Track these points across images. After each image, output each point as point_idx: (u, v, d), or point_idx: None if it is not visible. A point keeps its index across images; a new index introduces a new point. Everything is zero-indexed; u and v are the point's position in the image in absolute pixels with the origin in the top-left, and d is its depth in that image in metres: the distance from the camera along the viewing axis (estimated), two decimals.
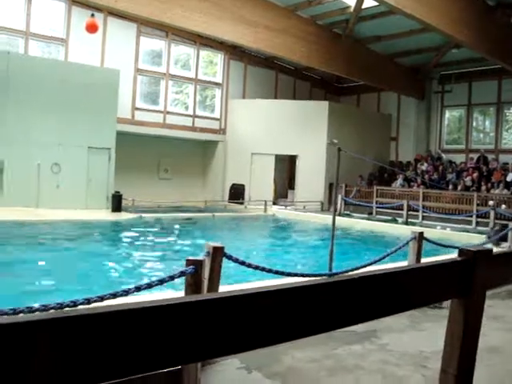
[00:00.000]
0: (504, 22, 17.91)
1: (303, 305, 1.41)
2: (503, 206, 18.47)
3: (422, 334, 5.59)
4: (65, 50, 20.15)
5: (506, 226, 10.20)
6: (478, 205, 19.32)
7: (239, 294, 1.26)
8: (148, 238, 13.74)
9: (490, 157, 23.43)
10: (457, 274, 1.87)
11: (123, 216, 17.67)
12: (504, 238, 10.06)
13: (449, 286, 1.88)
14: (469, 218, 19.08)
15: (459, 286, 1.87)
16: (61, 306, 3.25)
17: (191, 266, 3.57)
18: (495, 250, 2.12)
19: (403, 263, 7.82)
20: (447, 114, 26.75)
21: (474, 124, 25.86)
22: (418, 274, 1.77)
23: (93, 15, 17.59)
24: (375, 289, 1.62)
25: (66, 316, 1.00)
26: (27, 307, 3.19)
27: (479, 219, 18.74)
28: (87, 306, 3.35)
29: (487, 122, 25.89)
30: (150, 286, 3.63)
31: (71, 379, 1.01)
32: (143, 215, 17.63)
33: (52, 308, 3.24)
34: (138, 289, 3.62)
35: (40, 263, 9.79)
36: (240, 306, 1.26)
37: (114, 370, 1.07)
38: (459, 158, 24.65)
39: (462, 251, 1.90)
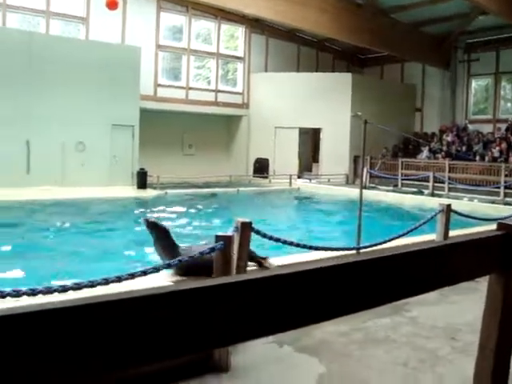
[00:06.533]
0: None
1: (335, 284, 1.39)
2: None
3: (451, 306, 5.56)
4: (85, 29, 20.15)
5: None
6: (506, 176, 19.01)
7: (269, 275, 1.24)
8: (174, 215, 13.84)
9: None
10: (496, 249, 1.83)
11: (148, 193, 17.81)
12: None
13: (487, 261, 1.84)
14: (496, 190, 18.80)
15: (498, 260, 1.83)
16: (79, 287, 3.27)
17: (220, 242, 3.59)
18: None
19: (431, 236, 7.77)
20: (473, 84, 26.21)
21: (502, 93, 25.29)
22: (455, 249, 1.74)
23: None
24: (410, 266, 1.59)
25: (97, 302, 0.99)
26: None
27: (507, 190, 18.45)
28: (105, 287, 3.38)
29: None
30: (180, 262, 3.66)
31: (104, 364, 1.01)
32: (168, 191, 17.74)
33: (70, 288, 3.25)
34: (169, 265, 3.66)
35: (69, 241, 9.94)
36: (271, 287, 1.24)
37: (141, 356, 1.06)
38: (486, 128, 24.17)
39: (500, 225, 1.85)
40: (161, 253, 5.13)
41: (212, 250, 3.58)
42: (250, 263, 5.29)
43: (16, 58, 16.95)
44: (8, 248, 9.14)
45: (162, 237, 5.08)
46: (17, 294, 3.00)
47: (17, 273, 7.36)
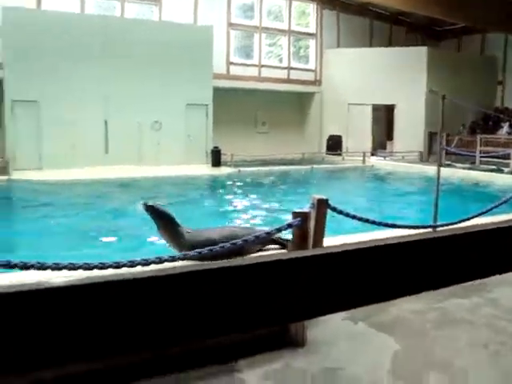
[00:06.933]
0: None
1: (412, 261, 1.37)
2: None
3: None
4: (158, 10, 20.52)
5: None
6: None
7: (348, 249, 1.24)
8: (248, 192, 14.02)
9: None
10: None
11: (223, 171, 18.12)
12: None
13: None
14: None
15: None
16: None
17: (298, 219, 3.63)
18: None
19: None
20: None
21: None
22: None
23: None
24: (489, 245, 1.55)
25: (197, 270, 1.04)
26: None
27: None
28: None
29: None
30: (257, 237, 3.74)
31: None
32: (242, 169, 17.96)
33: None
34: (246, 241, 3.74)
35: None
36: (348, 262, 1.25)
37: (217, 328, 1.11)
38: None
39: None
40: (165, 237, 4.95)
41: (289, 226, 3.63)
42: (272, 246, 5.17)
43: (94, 42, 17.51)
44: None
45: (164, 221, 4.87)
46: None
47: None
